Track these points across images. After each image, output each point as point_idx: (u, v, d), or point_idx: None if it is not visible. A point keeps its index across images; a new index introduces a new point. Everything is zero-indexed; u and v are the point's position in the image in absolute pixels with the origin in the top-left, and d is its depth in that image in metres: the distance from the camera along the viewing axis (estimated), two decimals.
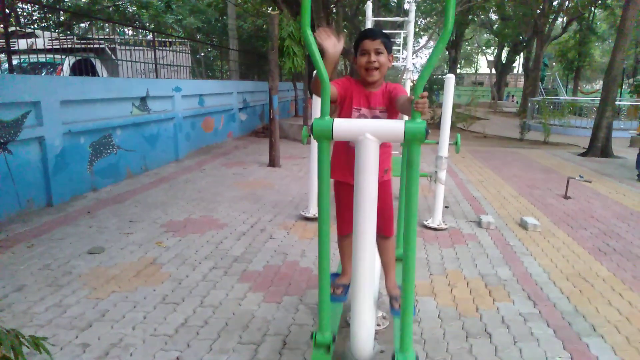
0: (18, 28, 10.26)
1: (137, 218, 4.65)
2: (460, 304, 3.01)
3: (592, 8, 24.85)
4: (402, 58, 7.20)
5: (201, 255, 3.72)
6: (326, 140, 1.73)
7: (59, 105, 5.07)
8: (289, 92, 15.15)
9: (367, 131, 1.69)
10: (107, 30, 12.02)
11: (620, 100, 16.87)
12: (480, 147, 11.44)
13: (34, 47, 6.34)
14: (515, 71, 45.22)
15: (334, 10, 14.22)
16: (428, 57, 1.67)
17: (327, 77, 1.75)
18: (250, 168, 7.51)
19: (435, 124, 12.62)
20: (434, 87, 26.71)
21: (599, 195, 6.21)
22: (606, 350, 2.50)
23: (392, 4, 22.07)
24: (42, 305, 2.84)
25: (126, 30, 15.62)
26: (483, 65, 52.26)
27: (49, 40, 7.17)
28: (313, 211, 4.74)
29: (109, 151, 6.00)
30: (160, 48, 9.20)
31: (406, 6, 20.02)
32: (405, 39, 6.99)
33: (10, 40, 5.29)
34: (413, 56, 8.23)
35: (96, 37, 10.09)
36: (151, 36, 9.18)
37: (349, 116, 2.18)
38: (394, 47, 9.44)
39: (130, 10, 16.30)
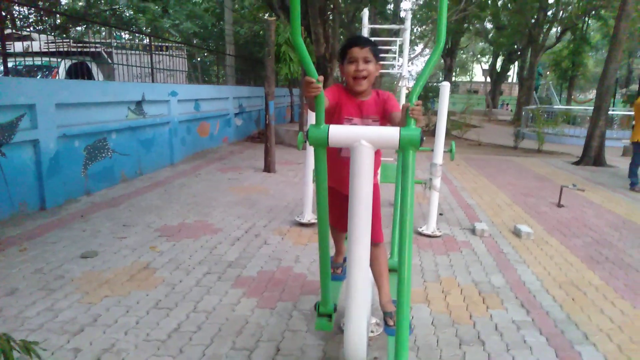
0: (14, 30, 10.23)
1: (131, 222, 4.63)
2: (453, 311, 3.01)
3: (586, 18, 25.13)
4: (398, 65, 7.25)
5: (195, 260, 3.71)
6: (322, 147, 1.74)
7: (54, 108, 5.05)
8: (285, 98, 15.18)
9: (363, 138, 1.70)
10: (104, 33, 12.01)
11: (613, 110, 17.01)
12: (474, 154, 11.50)
13: (30, 50, 6.33)
14: (509, 80, 45.57)
15: (331, 17, 14.29)
16: (423, 67, 1.69)
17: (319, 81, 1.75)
18: (245, 173, 7.50)
19: (430, 131, 12.68)
20: (429, 94, 26.85)
21: (592, 203, 6.25)
22: (598, 359, 2.52)
23: (389, 12, 22.22)
24: (33, 310, 2.82)
25: (123, 34, 15.61)
26: (478, 73, 52.73)
27: (45, 43, 7.16)
28: (308, 217, 4.74)
29: (103, 155, 5.98)
30: (157, 52, 9.20)
31: (402, 14, 20.15)
32: (401, 46, 7.03)
33: (6, 43, 5.27)
34: (409, 64, 8.29)
35: (92, 40, 10.07)
36: (148, 40, 9.18)
37: None
38: (390, 55, 9.51)
39: (127, 15, 16.31)
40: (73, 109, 5.42)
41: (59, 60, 6.73)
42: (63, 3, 14.78)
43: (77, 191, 5.47)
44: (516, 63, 32.77)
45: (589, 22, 27.26)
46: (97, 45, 8.92)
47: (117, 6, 15.33)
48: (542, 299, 3.24)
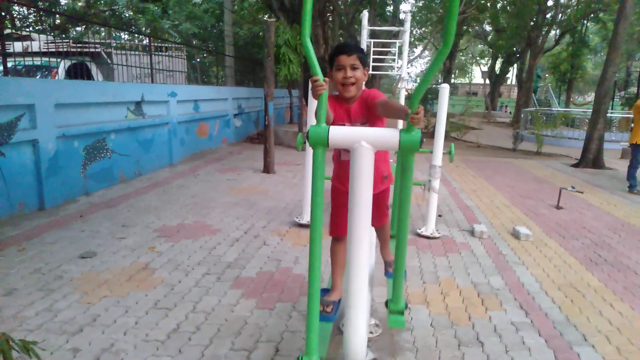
0: (13, 30, 10.23)
1: (130, 223, 4.63)
2: (452, 312, 3.01)
3: (585, 21, 25.21)
4: (397, 67, 7.27)
5: (194, 261, 3.71)
6: (321, 147, 1.74)
7: (54, 108, 5.04)
8: (284, 99, 15.18)
9: (363, 139, 1.71)
10: (103, 34, 12.01)
11: (612, 113, 17.07)
12: (473, 156, 11.51)
13: (29, 50, 6.33)
14: (508, 82, 45.67)
15: (330, 19, 14.32)
16: (425, 71, 1.70)
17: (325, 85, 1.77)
18: (244, 174, 7.50)
19: (429, 133, 12.69)
20: (428, 96, 26.91)
21: (591, 206, 6.26)
22: None
23: (388, 14, 22.28)
24: (32, 310, 2.81)
25: (122, 34, 15.62)
26: (477, 75, 52.74)
27: (45, 43, 7.16)
28: (307, 218, 4.74)
29: (102, 155, 5.97)
30: (156, 53, 9.21)
31: (402, 16, 20.21)
32: (400, 48, 7.06)
33: (6, 43, 5.27)
34: (408, 65, 8.30)
35: (92, 41, 10.07)
36: (147, 41, 9.18)
37: None
38: (389, 57, 9.52)
39: (127, 15, 16.32)
40: (72, 109, 5.41)
41: (59, 60, 6.73)
42: (62, 3, 14.79)
43: (76, 191, 5.47)
44: (515, 65, 32.85)
45: (588, 24, 27.35)
46: (96, 45, 8.91)
47: (117, 7, 15.33)
48: (541, 300, 3.24)
